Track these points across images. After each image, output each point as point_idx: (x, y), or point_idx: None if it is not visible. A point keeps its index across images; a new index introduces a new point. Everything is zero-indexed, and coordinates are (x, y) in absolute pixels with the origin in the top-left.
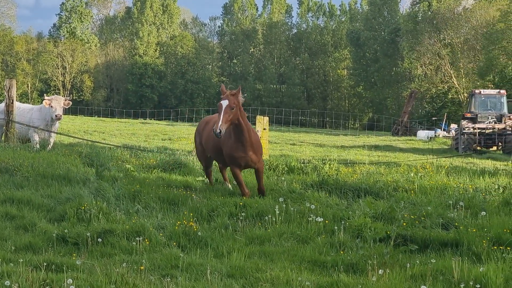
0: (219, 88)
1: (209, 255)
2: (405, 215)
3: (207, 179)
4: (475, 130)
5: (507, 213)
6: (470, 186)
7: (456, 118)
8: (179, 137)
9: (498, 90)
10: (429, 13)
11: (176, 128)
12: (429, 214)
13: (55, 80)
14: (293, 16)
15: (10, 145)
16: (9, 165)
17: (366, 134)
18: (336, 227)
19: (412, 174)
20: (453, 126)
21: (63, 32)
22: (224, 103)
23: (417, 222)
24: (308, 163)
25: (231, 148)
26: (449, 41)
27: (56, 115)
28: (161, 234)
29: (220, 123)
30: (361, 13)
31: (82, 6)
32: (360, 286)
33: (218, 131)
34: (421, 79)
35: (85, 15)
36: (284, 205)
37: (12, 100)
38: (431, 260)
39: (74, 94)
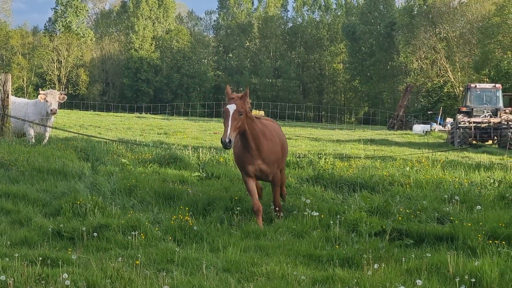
0: (214, 83)
1: (204, 249)
2: (401, 209)
3: (203, 174)
4: (471, 124)
5: (502, 207)
6: (466, 180)
7: (451, 112)
8: (175, 131)
9: (493, 84)
10: (425, 7)
11: (171, 122)
12: (424, 208)
13: (50, 74)
14: (288, 10)
15: (6, 140)
16: (5, 160)
17: (362, 128)
18: (332, 222)
19: (407, 168)
20: (449, 120)
21: (59, 26)
22: (231, 108)
23: (412, 216)
24: (303, 157)
25: (238, 154)
26: (444, 35)
27: (51, 110)
28: (156, 229)
29: (228, 131)
30: (357, 7)
31: (77, 0)
32: (356, 280)
33: (227, 140)
34: (417, 73)
35: (80, 9)
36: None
37: (8, 95)
38: (427, 254)
39: (69, 89)
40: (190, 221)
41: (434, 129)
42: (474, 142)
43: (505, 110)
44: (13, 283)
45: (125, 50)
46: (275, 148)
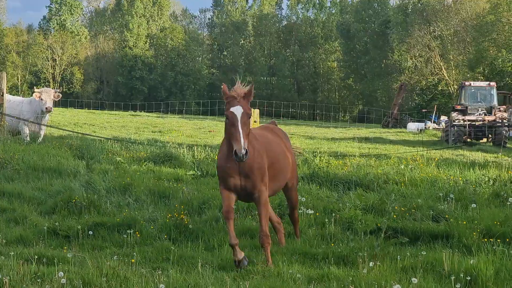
0: (209, 81)
1: (200, 247)
2: (396, 208)
3: (198, 172)
4: (465, 122)
5: (497, 205)
6: (460, 178)
7: (446, 110)
8: (170, 129)
9: (488, 82)
10: (419, 5)
11: (166, 121)
12: (419, 206)
13: (45, 73)
14: (283, 8)
15: (0, 138)
16: (0, 158)
17: (356, 126)
18: (327, 220)
19: (402, 166)
20: (443, 118)
21: (53, 24)
22: (238, 110)
23: (407, 214)
24: (298, 155)
25: (221, 163)
26: (439, 33)
27: (46, 108)
28: (152, 227)
29: (242, 140)
30: (351, 5)
31: None
32: (351, 279)
33: (244, 151)
34: (411, 71)
35: (75, 7)
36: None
37: (2, 93)
38: (422, 253)
39: (64, 87)
40: (185, 220)
41: (429, 127)
42: (468, 140)
43: (499, 108)
44: (9, 281)
45: (120, 48)
46: (262, 161)
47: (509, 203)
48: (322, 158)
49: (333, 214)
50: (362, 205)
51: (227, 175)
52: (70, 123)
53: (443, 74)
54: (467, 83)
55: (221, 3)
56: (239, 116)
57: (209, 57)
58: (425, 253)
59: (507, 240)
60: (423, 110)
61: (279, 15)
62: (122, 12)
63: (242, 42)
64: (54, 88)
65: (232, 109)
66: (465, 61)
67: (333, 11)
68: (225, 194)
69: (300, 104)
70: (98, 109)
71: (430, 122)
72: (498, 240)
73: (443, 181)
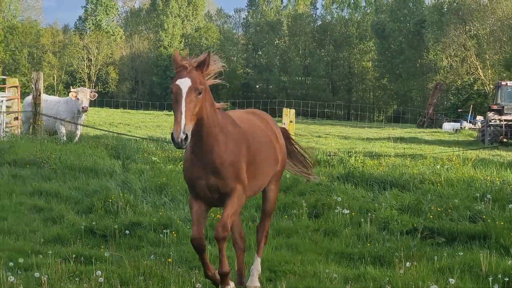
0: (244, 80)
1: None
2: (432, 208)
3: None
4: (502, 122)
5: None
6: (497, 179)
7: (482, 110)
8: None
9: None
10: (455, 4)
11: None
12: (456, 206)
13: (80, 72)
14: (317, 8)
15: (38, 138)
16: (37, 158)
17: (391, 126)
18: (363, 219)
19: (438, 167)
20: (479, 118)
21: (89, 24)
22: (184, 83)
23: (444, 214)
24: (334, 155)
25: (186, 160)
26: (475, 32)
27: (82, 107)
28: (188, 227)
29: (182, 121)
30: (386, 5)
31: None
32: (388, 279)
33: (183, 136)
34: (447, 71)
35: (110, 8)
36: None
37: (40, 93)
38: (459, 253)
39: (99, 86)
40: None
41: (464, 127)
42: (505, 140)
43: None
44: (47, 280)
45: (155, 48)
46: (236, 150)
47: None
48: (357, 158)
49: (369, 214)
50: (398, 205)
51: (193, 176)
52: (105, 123)
53: (479, 73)
54: (503, 83)
55: (256, 2)
56: (184, 90)
57: (243, 57)
58: (462, 253)
59: None
60: (459, 110)
61: (314, 15)
62: (157, 12)
63: (277, 41)
64: (90, 88)
65: (178, 82)
66: (501, 61)
67: (368, 11)
68: (194, 212)
69: (335, 104)
70: (133, 109)
71: (465, 122)
72: None
73: (479, 181)
